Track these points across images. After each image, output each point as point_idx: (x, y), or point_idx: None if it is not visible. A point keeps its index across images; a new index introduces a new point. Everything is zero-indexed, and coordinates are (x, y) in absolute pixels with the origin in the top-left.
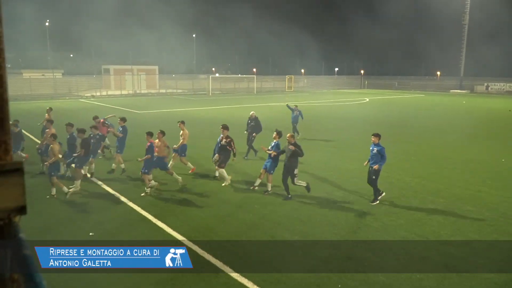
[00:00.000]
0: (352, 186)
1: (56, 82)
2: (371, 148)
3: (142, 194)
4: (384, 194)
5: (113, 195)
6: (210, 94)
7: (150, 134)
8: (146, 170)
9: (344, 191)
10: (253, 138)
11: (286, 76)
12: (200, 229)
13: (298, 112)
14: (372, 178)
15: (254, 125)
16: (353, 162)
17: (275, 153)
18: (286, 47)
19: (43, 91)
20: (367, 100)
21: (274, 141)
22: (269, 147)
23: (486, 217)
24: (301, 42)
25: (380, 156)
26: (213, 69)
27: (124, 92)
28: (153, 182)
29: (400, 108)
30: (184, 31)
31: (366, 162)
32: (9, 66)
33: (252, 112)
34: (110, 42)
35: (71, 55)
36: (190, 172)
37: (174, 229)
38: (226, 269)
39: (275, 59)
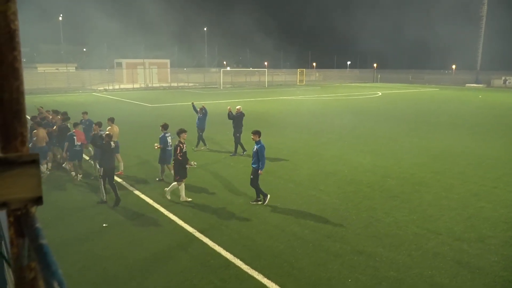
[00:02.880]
0: (364, 180)
1: (69, 76)
2: (253, 147)
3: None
4: (269, 197)
5: (125, 187)
6: (221, 88)
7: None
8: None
9: (356, 185)
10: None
11: (298, 69)
12: (211, 222)
13: (203, 113)
14: (251, 177)
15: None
16: (366, 156)
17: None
18: (298, 41)
19: (57, 84)
20: (380, 94)
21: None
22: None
23: (501, 214)
24: (313, 36)
25: (257, 155)
26: (224, 62)
27: (136, 85)
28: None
29: (414, 103)
30: (196, 25)
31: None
32: (24, 60)
33: (234, 106)
34: (123, 36)
35: (84, 49)
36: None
37: (185, 221)
38: (236, 261)
39: (287, 52)
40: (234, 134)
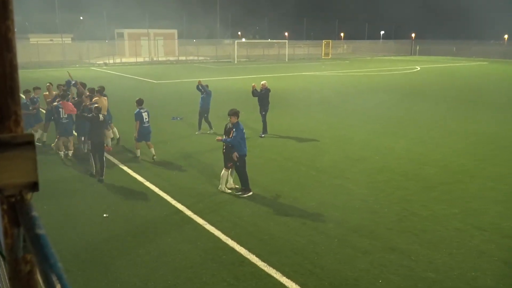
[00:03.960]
0: (397, 168)
1: (65, 47)
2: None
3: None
4: (251, 193)
5: (128, 173)
6: (236, 62)
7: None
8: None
9: (387, 173)
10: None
11: (323, 41)
12: (223, 213)
13: (204, 93)
14: (236, 164)
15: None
16: (399, 141)
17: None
18: (323, 8)
19: (51, 57)
20: (419, 69)
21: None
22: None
23: None
24: (340, 2)
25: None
26: (239, 33)
27: (139, 59)
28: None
29: (458, 79)
30: None
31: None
32: (15, 30)
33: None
34: (124, 3)
35: (81, 18)
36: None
37: (194, 212)
38: (252, 257)
39: (310, 21)
40: (260, 113)
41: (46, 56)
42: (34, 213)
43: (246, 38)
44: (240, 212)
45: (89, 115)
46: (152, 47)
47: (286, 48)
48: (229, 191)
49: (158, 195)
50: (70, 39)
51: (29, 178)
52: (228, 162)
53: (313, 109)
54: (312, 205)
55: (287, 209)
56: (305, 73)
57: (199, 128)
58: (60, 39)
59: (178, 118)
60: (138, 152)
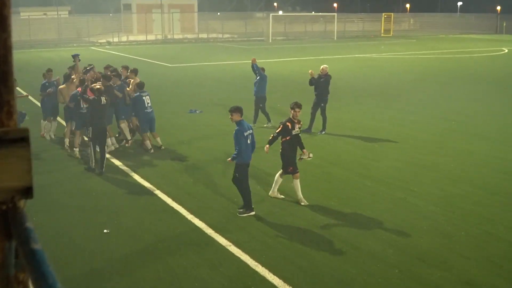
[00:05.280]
0: (476, 179)
1: (61, 23)
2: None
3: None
4: (253, 213)
5: (133, 178)
6: (270, 41)
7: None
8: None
9: (464, 185)
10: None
11: (383, 14)
12: (252, 231)
13: (258, 77)
14: (235, 176)
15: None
16: (480, 144)
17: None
18: None
19: (45, 35)
20: (506, 51)
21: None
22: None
23: None
24: None
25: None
26: (275, 4)
27: (150, 37)
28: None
29: None
30: None
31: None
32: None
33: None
34: None
35: None
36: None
37: (216, 230)
38: None
39: None
40: (317, 104)
41: (38, 34)
42: (29, 224)
43: (284, 11)
44: (273, 231)
45: (90, 98)
46: (166, 22)
47: (335, 23)
48: (282, 196)
49: (171, 207)
50: (67, 12)
51: (22, 181)
52: (289, 166)
53: (367, 101)
54: (366, 225)
55: (334, 228)
56: (359, 55)
57: (255, 120)
58: (56, 13)
59: (197, 111)
60: (149, 144)
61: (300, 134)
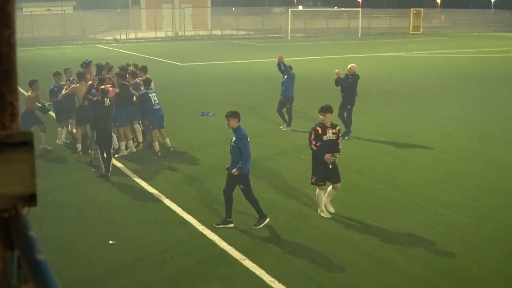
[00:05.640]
0: None
1: (65, 19)
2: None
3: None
4: (267, 221)
5: (140, 185)
6: (289, 38)
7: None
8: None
9: (501, 196)
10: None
11: (411, 9)
12: (268, 245)
13: (285, 76)
14: (241, 188)
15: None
16: None
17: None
18: None
19: (48, 32)
20: None
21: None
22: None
23: None
24: None
25: (239, 151)
26: None
27: (160, 34)
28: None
29: None
30: None
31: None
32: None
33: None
34: None
35: None
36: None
37: (230, 243)
38: None
39: None
40: (344, 107)
41: (41, 30)
42: (32, 233)
43: (304, 6)
44: (291, 244)
45: (93, 99)
46: (177, 18)
47: (359, 19)
48: (330, 216)
49: (181, 217)
50: (71, 8)
51: (25, 188)
52: (312, 176)
53: (395, 103)
54: (392, 238)
55: (357, 242)
56: (385, 54)
57: (284, 121)
58: (60, 9)
59: (210, 114)
60: (157, 146)
61: (339, 141)
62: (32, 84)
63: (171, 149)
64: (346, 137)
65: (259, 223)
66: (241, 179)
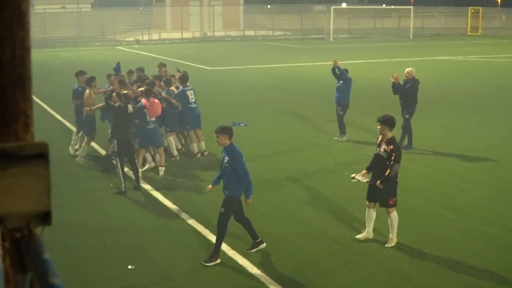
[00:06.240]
0: None
1: (82, 18)
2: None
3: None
4: (263, 246)
5: (163, 204)
6: (332, 39)
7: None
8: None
9: None
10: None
11: (469, 8)
12: (311, 274)
13: (341, 81)
14: (221, 210)
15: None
16: None
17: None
18: None
19: (63, 32)
20: None
21: None
22: None
23: None
24: None
25: (232, 171)
26: None
27: (186, 34)
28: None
29: None
30: None
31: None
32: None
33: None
34: None
35: None
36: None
37: (260, 268)
38: None
39: None
40: (402, 115)
41: (55, 31)
42: (47, 256)
43: (349, 3)
44: (330, 274)
45: (114, 105)
46: (206, 17)
47: (411, 18)
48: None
49: (208, 240)
50: (89, 6)
51: (39, 205)
52: (382, 198)
53: (451, 114)
54: (447, 267)
55: (407, 271)
56: (440, 58)
57: (343, 132)
58: (76, 7)
59: (241, 124)
60: (195, 148)
61: (390, 163)
62: (92, 81)
63: (205, 153)
64: (411, 147)
65: (253, 246)
66: (226, 201)
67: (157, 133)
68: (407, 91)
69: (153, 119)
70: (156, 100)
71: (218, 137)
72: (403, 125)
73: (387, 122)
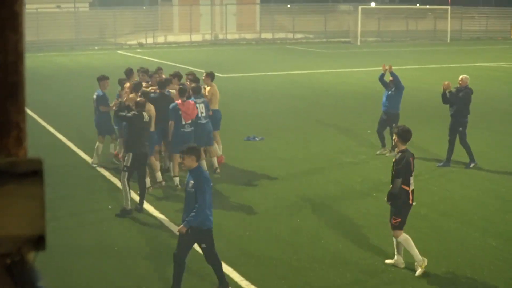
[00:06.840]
0: None
1: (79, 19)
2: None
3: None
4: None
5: (169, 229)
6: (359, 43)
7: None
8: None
9: None
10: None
11: None
12: None
13: (393, 88)
14: (202, 247)
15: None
16: None
17: None
18: None
19: (58, 35)
20: None
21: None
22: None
23: None
24: None
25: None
26: None
27: (196, 37)
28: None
29: None
30: None
31: None
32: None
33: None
34: None
35: None
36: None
37: None
38: None
39: None
40: (455, 129)
41: (49, 33)
42: (40, 284)
43: (378, 3)
44: None
45: (128, 114)
46: (218, 18)
47: (448, 19)
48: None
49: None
50: (87, 5)
51: (32, 228)
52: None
53: (494, 126)
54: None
55: None
56: (481, 64)
57: (383, 144)
58: (73, 7)
59: (257, 138)
60: (204, 165)
61: (393, 179)
62: (130, 75)
63: (218, 171)
64: (472, 165)
65: None
66: (204, 235)
67: (206, 133)
68: (460, 100)
69: (189, 121)
70: (192, 102)
71: (184, 159)
72: (449, 139)
73: (400, 133)
